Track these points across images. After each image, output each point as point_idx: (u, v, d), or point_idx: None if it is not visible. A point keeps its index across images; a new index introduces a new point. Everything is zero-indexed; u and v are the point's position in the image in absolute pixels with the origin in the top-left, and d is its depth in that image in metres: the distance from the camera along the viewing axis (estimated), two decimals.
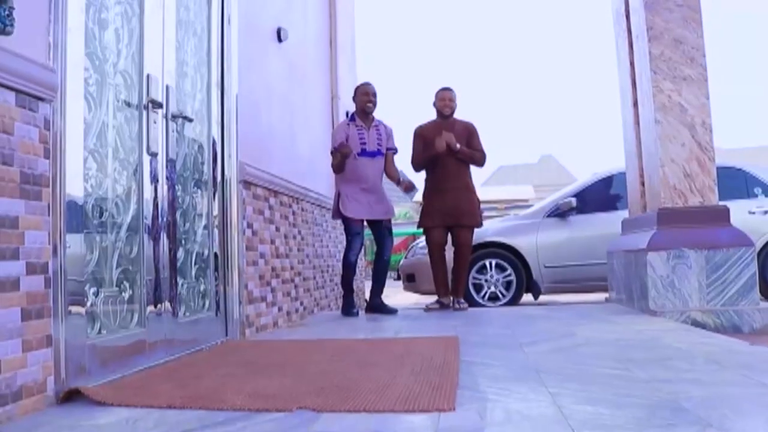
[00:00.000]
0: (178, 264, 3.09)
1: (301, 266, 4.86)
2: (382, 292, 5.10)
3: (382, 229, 4.99)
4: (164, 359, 2.80)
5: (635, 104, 4.93)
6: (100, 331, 2.42)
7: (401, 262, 7.09)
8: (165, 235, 2.91)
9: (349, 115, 5.10)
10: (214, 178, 3.54)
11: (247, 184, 3.80)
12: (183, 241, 3.17)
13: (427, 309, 5.09)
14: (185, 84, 3.28)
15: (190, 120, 3.19)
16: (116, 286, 2.56)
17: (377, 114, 5.09)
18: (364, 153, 4.90)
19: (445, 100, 5.24)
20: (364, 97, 4.99)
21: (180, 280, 3.11)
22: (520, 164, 44.60)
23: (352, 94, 7.18)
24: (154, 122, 2.85)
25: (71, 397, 2.09)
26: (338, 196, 4.95)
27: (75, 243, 2.24)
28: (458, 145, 5.02)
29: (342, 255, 5.05)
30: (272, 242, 4.21)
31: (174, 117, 3.02)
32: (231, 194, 3.63)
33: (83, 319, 2.27)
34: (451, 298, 5.17)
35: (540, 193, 25.57)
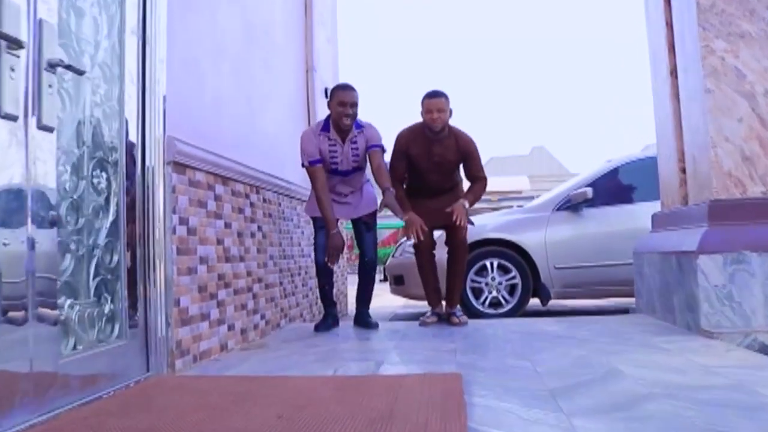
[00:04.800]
0: (64, 277, 2.17)
1: (263, 271, 3.94)
2: (369, 301, 4.20)
3: (359, 224, 4.09)
4: (28, 421, 1.88)
5: (673, 72, 4.03)
6: None
7: (388, 262, 6.18)
8: (37, 237, 1.98)
9: (321, 123, 4.04)
10: (129, 157, 2.61)
11: (179, 166, 2.87)
12: (73, 245, 2.24)
13: (423, 323, 4.18)
14: (82, 25, 2.34)
15: (81, 72, 2.25)
16: None
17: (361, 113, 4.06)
18: (335, 172, 3.99)
19: (432, 113, 3.93)
20: (340, 108, 3.80)
21: (66, 300, 2.18)
22: (512, 155, 43.75)
23: (330, 68, 6.25)
24: (11, 69, 1.91)
25: None
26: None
27: None
28: (465, 208, 3.98)
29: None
30: (219, 242, 3.28)
31: (52, 66, 2.08)
32: (154, 179, 2.70)
33: None
34: (445, 308, 4.27)
35: (535, 185, 24.76)
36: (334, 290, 4.29)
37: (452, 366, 2.71)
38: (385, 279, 6.39)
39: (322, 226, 3.97)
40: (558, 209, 5.50)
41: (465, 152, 4.09)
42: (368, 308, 4.20)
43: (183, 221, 2.88)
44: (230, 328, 3.37)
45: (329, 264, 3.90)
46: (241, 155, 3.68)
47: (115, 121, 2.54)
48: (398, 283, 5.88)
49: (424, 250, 4.16)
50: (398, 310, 7.08)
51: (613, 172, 5.58)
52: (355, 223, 4.12)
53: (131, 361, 2.55)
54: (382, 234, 21.27)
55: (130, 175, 2.60)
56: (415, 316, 6.14)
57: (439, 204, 4.07)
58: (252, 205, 3.82)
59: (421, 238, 3.94)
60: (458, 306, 4.28)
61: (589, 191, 5.33)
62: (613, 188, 5.53)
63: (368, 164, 4.06)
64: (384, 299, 7.77)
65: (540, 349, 3.04)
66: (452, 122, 4.11)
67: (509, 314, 5.29)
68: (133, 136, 2.63)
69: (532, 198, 18.77)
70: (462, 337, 3.62)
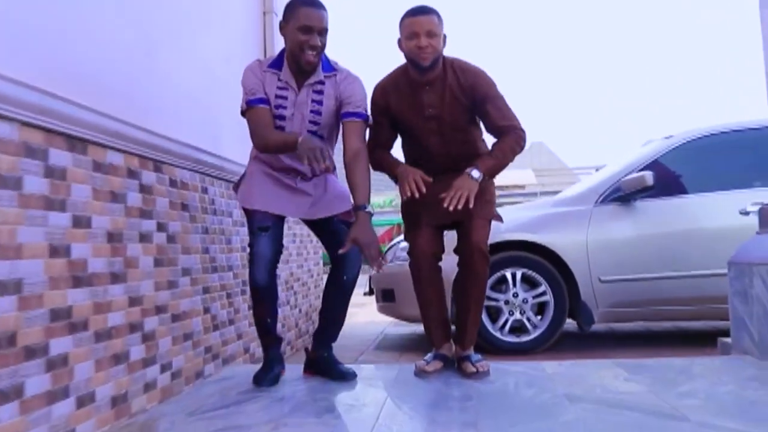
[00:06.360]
0: None
1: (167, 294, 2.50)
2: (334, 338, 2.76)
3: (331, 225, 2.64)
4: None
5: None
6: None
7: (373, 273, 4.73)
8: None
9: (271, 58, 2.63)
10: None
11: None
12: None
13: (421, 372, 2.71)
14: None
15: None
16: None
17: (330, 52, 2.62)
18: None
19: (418, 37, 2.50)
20: (303, 36, 2.41)
21: None
22: None
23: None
24: None
25: None
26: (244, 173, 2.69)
27: None
28: (474, 180, 2.51)
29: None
30: (56, 253, 1.84)
31: None
32: None
33: None
34: (455, 349, 2.83)
35: (540, 179, 23.35)
36: (278, 318, 2.82)
37: None
38: (371, 292, 4.95)
39: (264, 227, 2.53)
40: (603, 201, 4.06)
41: (475, 91, 2.60)
42: (332, 344, 2.75)
43: None
44: (83, 402, 1.92)
45: (321, 166, 2.35)
46: (126, 110, 2.25)
47: None
48: (387, 300, 4.44)
49: (424, 262, 2.70)
50: (388, 328, 5.65)
51: (680, 151, 4.11)
52: (324, 225, 2.67)
53: None
54: (378, 231, 19.80)
55: None
56: (410, 341, 4.75)
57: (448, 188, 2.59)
58: (143, 189, 2.37)
59: (423, 190, 2.51)
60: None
61: (649, 176, 3.87)
62: (680, 172, 4.09)
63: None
64: (370, 312, 6.31)
65: None
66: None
67: (538, 344, 3.90)
68: None
69: (536, 194, 17.37)
70: (483, 406, 2.19)
